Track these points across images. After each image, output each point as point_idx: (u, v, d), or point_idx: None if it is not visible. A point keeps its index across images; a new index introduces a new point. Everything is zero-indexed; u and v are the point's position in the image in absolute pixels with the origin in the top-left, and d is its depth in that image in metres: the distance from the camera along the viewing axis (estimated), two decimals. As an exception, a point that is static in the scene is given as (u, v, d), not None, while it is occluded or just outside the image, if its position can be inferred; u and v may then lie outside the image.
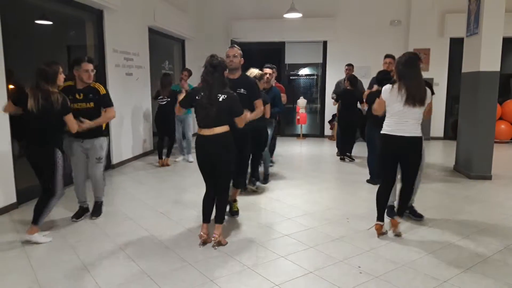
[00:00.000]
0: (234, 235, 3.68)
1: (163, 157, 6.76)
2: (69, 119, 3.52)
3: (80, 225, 3.96)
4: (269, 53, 11.16)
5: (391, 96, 3.43)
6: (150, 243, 3.52)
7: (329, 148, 8.71)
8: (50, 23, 5.84)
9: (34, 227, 3.49)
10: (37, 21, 5.66)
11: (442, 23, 9.34)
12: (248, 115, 3.58)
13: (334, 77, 9.82)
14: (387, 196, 3.69)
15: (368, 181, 5.51)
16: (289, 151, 8.45)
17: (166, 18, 8.18)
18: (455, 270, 2.96)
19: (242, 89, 3.78)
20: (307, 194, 5.06)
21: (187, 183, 5.70)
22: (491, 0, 5.40)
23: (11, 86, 4.71)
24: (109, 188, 5.61)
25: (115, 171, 6.34)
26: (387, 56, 5.78)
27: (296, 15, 8.38)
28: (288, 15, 8.45)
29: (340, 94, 7.16)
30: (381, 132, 3.56)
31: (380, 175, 3.87)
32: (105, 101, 3.99)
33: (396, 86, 3.41)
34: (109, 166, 6.41)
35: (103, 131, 4.09)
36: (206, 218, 3.49)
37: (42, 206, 3.51)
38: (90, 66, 3.88)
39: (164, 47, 9.22)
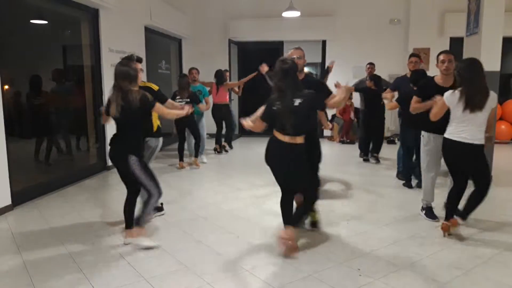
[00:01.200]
0: (231, 238, 3.63)
1: (192, 158, 6.68)
2: (158, 108, 3.37)
3: (74, 226, 3.91)
4: (268, 52, 11.11)
5: (454, 102, 3.40)
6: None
7: (329, 149, 8.66)
8: (45, 22, 5.78)
9: (136, 229, 3.39)
10: (32, 21, 5.59)
11: (442, 23, 9.30)
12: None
13: (333, 76, 9.76)
14: (459, 199, 3.63)
15: (404, 185, 5.37)
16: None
17: (162, 17, 8.12)
18: (455, 272, 2.92)
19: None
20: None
21: (184, 184, 5.65)
22: (490, 0, 5.36)
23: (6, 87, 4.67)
24: (104, 189, 5.59)
25: (110, 172, 6.28)
26: (412, 55, 5.65)
27: (295, 14, 8.32)
28: (286, 14, 8.39)
29: (364, 92, 6.96)
30: (444, 136, 3.54)
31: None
32: (162, 96, 3.96)
33: (458, 91, 3.38)
34: (104, 167, 6.36)
35: (154, 132, 3.97)
36: (285, 221, 3.36)
37: (143, 207, 3.42)
38: (139, 66, 3.73)
39: (160, 46, 9.16)
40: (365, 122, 7.08)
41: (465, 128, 3.39)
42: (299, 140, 3.15)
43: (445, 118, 3.56)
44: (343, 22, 9.73)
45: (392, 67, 8.98)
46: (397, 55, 8.28)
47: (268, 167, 3.35)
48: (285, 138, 3.13)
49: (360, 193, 5.15)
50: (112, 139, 3.42)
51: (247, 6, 9.82)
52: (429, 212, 4.07)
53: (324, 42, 10.00)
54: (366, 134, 7.12)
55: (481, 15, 5.41)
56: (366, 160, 7.10)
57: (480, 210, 4.34)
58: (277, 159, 3.25)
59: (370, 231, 3.76)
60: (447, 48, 9.26)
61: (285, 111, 3.09)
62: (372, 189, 5.29)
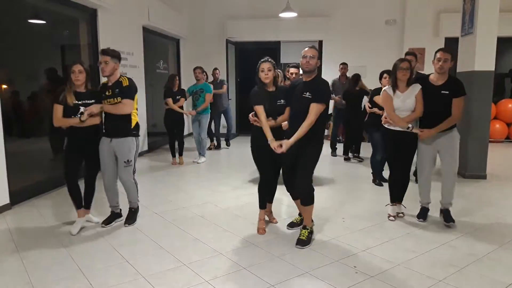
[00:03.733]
0: (228, 236, 3.66)
1: (176, 155, 6.91)
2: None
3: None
4: (265, 52, 11.07)
5: None
6: (144, 243, 3.50)
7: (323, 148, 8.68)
8: (44, 22, 5.78)
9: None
10: (30, 20, 5.60)
11: (437, 23, 9.36)
12: None
13: (329, 76, 9.81)
14: None
15: (373, 181, 5.48)
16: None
17: (160, 17, 8.14)
18: (450, 269, 2.96)
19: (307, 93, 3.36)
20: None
21: (181, 183, 5.67)
22: (485, 0, 5.41)
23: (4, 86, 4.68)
24: (102, 189, 5.58)
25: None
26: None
27: (292, 14, 8.36)
28: (283, 15, 8.43)
29: (345, 94, 6.98)
30: None
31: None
32: (124, 92, 3.70)
33: None
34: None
35: (132, 131, 3.82)
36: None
37: None
38: (105, 58, 3.69)
39: (158, 46, 9.18)
40: (346, 121, 7.21)
41: None
42: None
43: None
44: (340, 23, 9.77)
45: (387, 67, 8.95)
46: (393, 55, 8.28)
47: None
48: None
49: (355, 190, 5.19)
50: None
51: (245, 7, 9.87)
52: None
53: (320, 43, 10.04)
54: (349, 133, 7.28)
55: (476, 15, 5.46)
56: (347, 159, 7.19)
57: (474, 209, 4.41)
58: None
59: (366, 229, 3.80)
60: (443, 48, 9.30)
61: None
62: (367, 187, 5.33)
